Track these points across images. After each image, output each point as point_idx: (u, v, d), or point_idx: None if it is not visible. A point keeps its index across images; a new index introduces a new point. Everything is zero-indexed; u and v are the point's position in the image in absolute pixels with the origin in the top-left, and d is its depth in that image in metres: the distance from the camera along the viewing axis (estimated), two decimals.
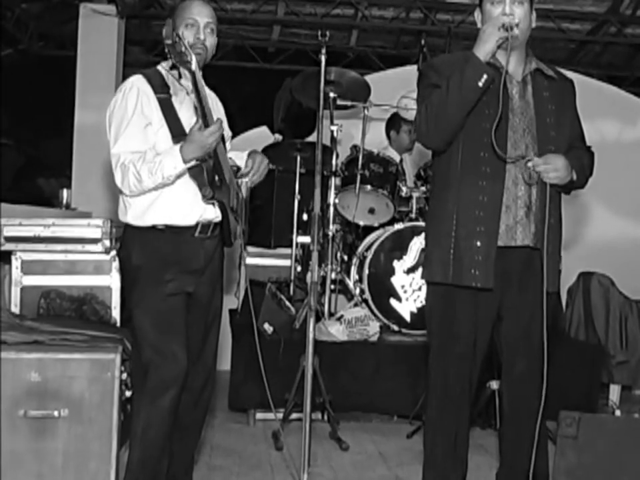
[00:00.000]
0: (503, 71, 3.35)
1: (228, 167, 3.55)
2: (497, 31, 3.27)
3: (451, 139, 3.40)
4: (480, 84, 3.26)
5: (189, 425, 3.69)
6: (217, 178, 3.43)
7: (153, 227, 3.46)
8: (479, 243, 3.37)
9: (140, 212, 3.47)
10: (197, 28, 3.44)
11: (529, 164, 3.33)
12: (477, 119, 3.36)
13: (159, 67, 3.59)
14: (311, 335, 3.06)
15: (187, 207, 3.48)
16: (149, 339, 3.45)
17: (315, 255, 3.18)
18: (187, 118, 3.46)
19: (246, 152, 3.76)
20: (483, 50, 3.28)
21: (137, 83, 3.45)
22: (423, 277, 3.64)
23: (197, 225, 3.51)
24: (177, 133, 3.39)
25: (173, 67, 3.31)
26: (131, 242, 3.53)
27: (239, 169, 3.69)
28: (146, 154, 3.33)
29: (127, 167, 3.32)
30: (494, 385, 5.03)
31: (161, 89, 3.46)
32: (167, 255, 3.47)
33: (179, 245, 3.48)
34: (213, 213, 3.54)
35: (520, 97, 3.45)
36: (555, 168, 3.33)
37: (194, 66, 3.20)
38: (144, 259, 3.47)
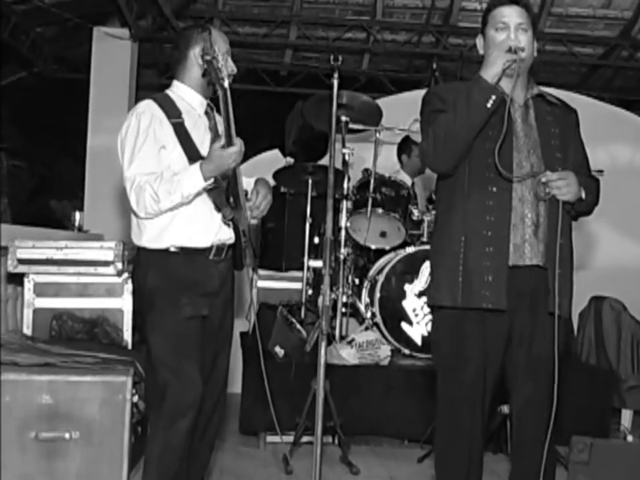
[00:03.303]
0: (506, 96, 3.33)
1: (242, 189, 3.57)
2: (503, 54, 3.26)
3: (459, 162, 3.37)
4: (488, 105, 3.25)
5: (199, 448, 3.67)
6: (232, 199, 3.45)
7: (168, 250, 3.47)
8: (488, 264, 3.33)
9: (155, 234, 3.47)
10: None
11: (543, 179, 3.29)
12: (481, 141, 3.34)
13: (168, 92, 3.62)
14: (322, 359, 3.05)
15: (202, 228, 3.49)
16: (166, 362, 3.45)
17: (326, 279, 3.16)
18: (200, 141, 3.49)
19: (253, 178, 3.76)
20: (490, 73, 3.26)
21: (149, 107, 3.48)
22: (429, 301, 3.58)
23: (211, 247, 3.52)
24: (193, 157, 3.41)
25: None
26: (145, 265, 3.53)
27: (246, 193, 3.70)
28: (163, 174, 3.33)
29: (143, 187, 3.32)
30: (505, 409, 5.00)
31: (173, 113, 3.49)
32: (182, 278, 3.47)
33: (194, 267, 3.49)
34: (227, 234, 3.55)
35: (523, 120, 3.44)
36: (568, 183, 3.30)
37: (227, 83, 3.23)
38: (160, 282, 3.47)
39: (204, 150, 3.43)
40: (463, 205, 3.39)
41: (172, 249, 3.47)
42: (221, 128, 3.44)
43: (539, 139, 3.44)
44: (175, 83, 3.63)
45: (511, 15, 3.37)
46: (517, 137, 3.41)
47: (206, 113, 3.62)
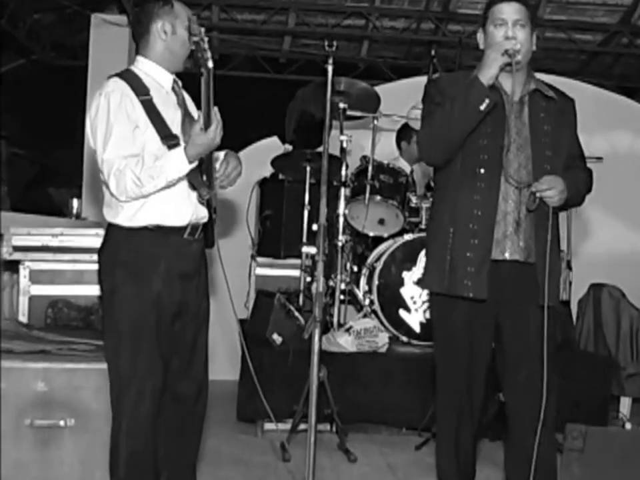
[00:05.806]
0: (502, 92, 3.49)
1: (214, 167, 3.50)
2: (500, 57, 3.41)
3: (450, 157, 3.53)
4: (481, 108, 3.39)
5: (186, 435, 3.63)
6: (205, 178, 3.40)
7: (143, 228, 3.38)
8: (472, 255, 3.47)
9: (132, 213, 3.37)
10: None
11: (532, 189, 3.42)
12: (474, 136, 3.48)
13: (133, 68, 3.52)
14: (316, 347, 3.02)
15: (179, 206, 3.42)
16: (126, 347, 3.39)
17: (320, 266, 3.16)
18: (170, 117, 3.43)
19: (222, 152, 3.67)
20: (486, 75, 3.41)
21: (118, 85, 3.37)
22: (421, 285, 3.75)
23: (187, 225, 3.45)
24: (164, 134, 3.35)
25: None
26: (117, 242, 3.42)
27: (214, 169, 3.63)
28: (144, 158, 3.25)
29: (123, 172, 3.22)
30: (502, 396, 5.00)
31: (141, 90, 3.39)
32: (156, 256, 3.39)
33: (168, 246, 3.41)
34: (202, 213, 3.51)
35: (516, 117, 3.56)
36: (557, 191, 3.42)
37: (211, 64, 3.20)
38: (132, 260, 3.38)
39: (175, 128, 3.38)
40: (453, 197, 3.55)
41: (148, 227, 3.38)
42: (192, 108, 3.38)
43: (530, 136, 3.56)
44: (139, 58, 3.53)
45: (509, 12, 3.51)
46: (509, 134, 3.52)
47: (172, 89, 3.55)
